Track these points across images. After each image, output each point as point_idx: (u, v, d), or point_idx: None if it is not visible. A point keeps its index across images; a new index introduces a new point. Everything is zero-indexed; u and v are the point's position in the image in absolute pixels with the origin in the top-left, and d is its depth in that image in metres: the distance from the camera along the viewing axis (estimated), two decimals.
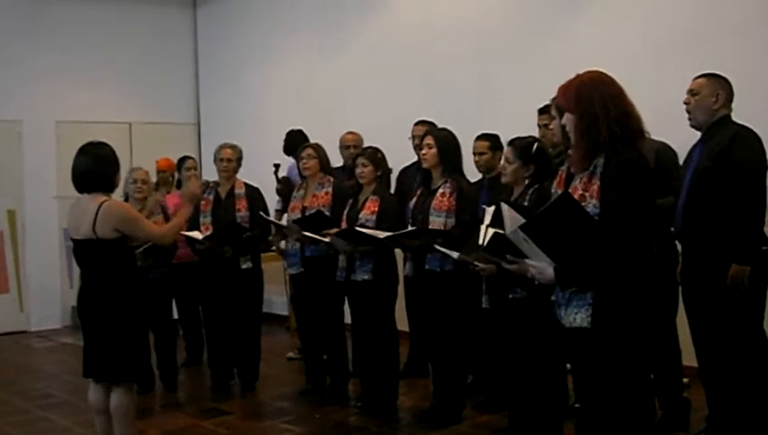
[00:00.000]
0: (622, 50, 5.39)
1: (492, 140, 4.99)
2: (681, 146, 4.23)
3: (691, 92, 3.91)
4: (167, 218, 5.63)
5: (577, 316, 2.68)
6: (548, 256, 2.64)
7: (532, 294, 3.75)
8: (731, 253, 3.72)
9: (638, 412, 2.74)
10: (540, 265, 2.68)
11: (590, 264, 2.61)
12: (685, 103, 3.93)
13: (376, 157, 4.95)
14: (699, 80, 3.91)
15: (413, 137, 5.76)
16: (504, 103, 6.27)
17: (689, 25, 5.38)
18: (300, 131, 6.51)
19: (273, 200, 6.27)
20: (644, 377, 2.83)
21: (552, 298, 2.80)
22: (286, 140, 6.53)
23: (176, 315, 6.37)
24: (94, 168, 3.88)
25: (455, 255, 4.12)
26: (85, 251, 3.89)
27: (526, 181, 4.04)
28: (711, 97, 3.84)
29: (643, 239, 2.62)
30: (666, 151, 4.26)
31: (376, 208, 4.83)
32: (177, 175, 6.85)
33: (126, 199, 5.62)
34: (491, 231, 3.38)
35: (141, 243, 4.43)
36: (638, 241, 2.61)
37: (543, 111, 4.80)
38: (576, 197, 2.66)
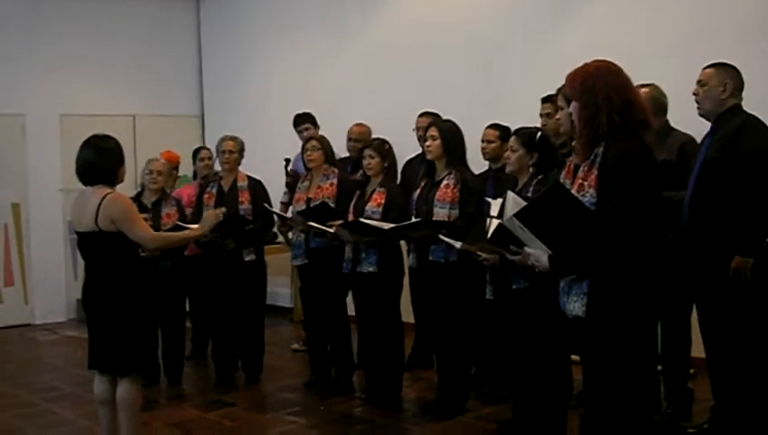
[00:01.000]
0: (623, 46, 5.33)
1: (502, 130, 5.03)
2: None
3: (699, 83, 3.90)
4: (180, 210, 5.61)
5: (575, 305, 2.68)
6: (544, 244, 2.65)
7: (535, 285, 3.74)
8: (736, 244, 3.70)
9: (635, 403, 2.73)
10: (536, 253, 2.69)
11: (584, 252, 2.60)
12: (694, 94, 3.92)
13: (383, 148, 4.94)
14: (707, 70, 3.89)
15: (417, 128, 5.75)
16: (506, 96, 6.25)
17: (692, 22, 5.36)
18: (306, 112, 6.51)
19: (277, 193, 6.26)
20: (641, 367, 2.79)
21: (562, 284, 2.79)
22: (294, 118, 6.53)
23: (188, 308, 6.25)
24: (97, 160, 3.86)
25: (458, 245, 4.11)
26: (89, 243, 3.88)
27: (530, 170, 4.05)
28: (719, 87, 3.83)
29: (641, 229, 2.61)
30: (690, 144, 4.22)
31: (382, 201, 4.82)
32: (191, 166, 6.83)
33: (142, 190, 5.62)
34: (495, 222, 3.38)
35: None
36: (634, 231, 2.59)
37: (546, 100, 4.79)
38: (576, 186, 2.66)
